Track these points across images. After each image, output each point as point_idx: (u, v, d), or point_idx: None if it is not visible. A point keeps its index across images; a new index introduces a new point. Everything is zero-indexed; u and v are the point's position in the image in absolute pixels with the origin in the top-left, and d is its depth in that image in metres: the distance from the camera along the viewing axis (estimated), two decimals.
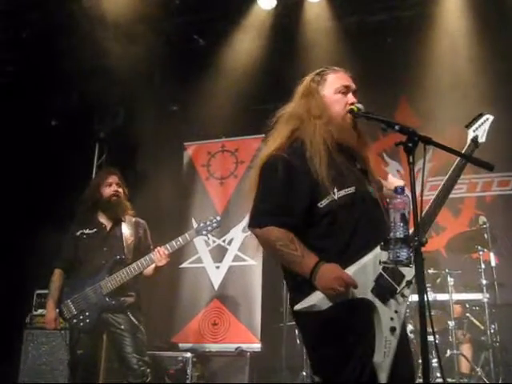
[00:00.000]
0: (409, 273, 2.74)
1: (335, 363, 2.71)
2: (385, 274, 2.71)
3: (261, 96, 7.94)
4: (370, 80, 7.31)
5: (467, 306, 6.26)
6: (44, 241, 5.97)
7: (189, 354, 6.13)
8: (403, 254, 2.64)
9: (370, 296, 2.68)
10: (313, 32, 7.40)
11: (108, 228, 5.01)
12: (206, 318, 7.60)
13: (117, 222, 5.04)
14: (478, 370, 5.87)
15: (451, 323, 5.97)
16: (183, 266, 7.87)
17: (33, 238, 6.49)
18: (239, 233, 7.83)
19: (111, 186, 5.05)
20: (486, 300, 6.00)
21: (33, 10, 6.96)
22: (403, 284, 2.75)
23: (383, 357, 2.62)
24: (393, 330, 2.65)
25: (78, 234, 4.97)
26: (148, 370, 4.74)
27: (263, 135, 8.15)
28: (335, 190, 2.78)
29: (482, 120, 3.30)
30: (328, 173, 2.77)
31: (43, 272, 5.43)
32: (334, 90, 3.01)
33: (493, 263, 6.13)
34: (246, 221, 7.81)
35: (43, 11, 6.99)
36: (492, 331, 5.96)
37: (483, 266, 6.13)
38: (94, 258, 4.86)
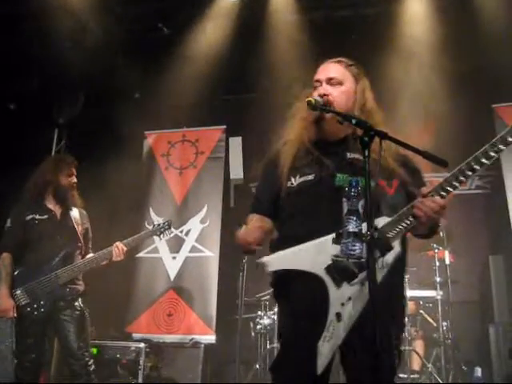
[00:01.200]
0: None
1: (284, 334, 2.85)
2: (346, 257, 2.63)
3: (224, 86, 7.92)
4: None
5: (421, 302, 6.34)
6: None
7: (142, 345, 6.07)
8: (355, 247, 2.63)
9: (320, 272, 2.68)
10: (278, 24, 7.38)
11: (58, 215, 4.92)
12: (161, 308, 7.52)
13: (65, 210, 4.96)
14: (429, 366, 5.95)
15: (405, 319, 6.02)
16: (139, 255, 7.78)
17: None
18: (197, 224, 7.77)
19: (71, 177, 4.98)
20: (439, 297, 6.08)
21: None
22: (364, 273, 2.63)
23: (323, 340, 2.58)
24: (338, 316, 2.60)
25: (29, 218, 4.85)
26: (91, 361, 4.67)
27: (224, 126, 8.22)
28: (297, 177, 2.89)
29: None
30: (291, 163, 2.90)
31: None
32: (313, 87, 3.00)
33: (447, 261, 6.21)
34: (204, 212, 7.81)
35: None
36: (444, 328, 6.04)
37: (438, 263, 6.22)
38: (46, 246, 4.76)
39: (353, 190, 2.69)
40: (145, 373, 5.94)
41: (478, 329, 6.54)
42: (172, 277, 7.65)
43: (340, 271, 2.66)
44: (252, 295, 6.60)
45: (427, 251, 6.46)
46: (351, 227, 2.65)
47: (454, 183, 2.78)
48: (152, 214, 7.95)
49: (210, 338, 7.14)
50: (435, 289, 6.14)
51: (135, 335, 7.19)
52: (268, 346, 6.45)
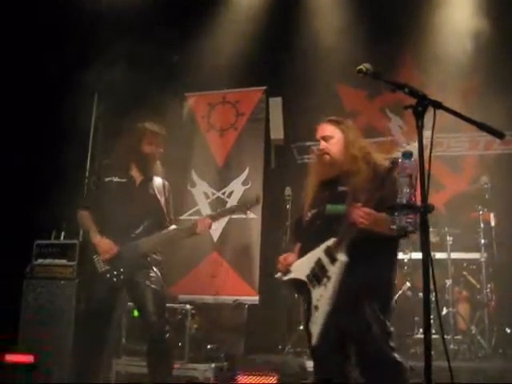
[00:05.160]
0: (332, 270, 3.50)
1: None
2: (316, 267, 3.61)
3: (263, 47, 7.82)
4: (374, 35, 7.23)
5: (464, 264, 6.31)
6: (42, 191, 5.94)
7: (188, 306, 6.12)
8: (409, 220, 2.63)
9: (305, 278, 3.67)
10: None
11: (137, 182, 4.87)
12: (205, 270, 7.59)
13: (146, 179, 4.93)
14: (473, 328, 5.95)
15: (448, 282, 6.03)
16: (182, 217, 7.83)
17: (31, 189, 6.46)
18: (239, 186, 7.79)
19: (152, 145, 4.88)
20: (483, 259, 6.06)
21: None
22: (325, 277, 3.56)
23: (310, 322, 3.60)
24: (316, 307, 3.55)
25: (107, 180, 4.87)
26: (167, 328, 4.72)
27: (264, 87, 8.16)
28: (309, 212, 3.84)
29: None
30: (308, 201, 3.86)
31: (42, 222, 5.41)
32: None
33: (492, 223, 6.15)
34: (245, 174, 7.82)
35: None
36: (488, 290, 6.02)
37: (482, 225, 6.16)
38: (127, 213, 4.71)
39: (406, 161, 2.68)
40: (191, 334, 6.02)
41: None
42: (215, 239, 7.71)
43: (314, 277, 3.62)
44: None
45: (471, 213, 6.40)
46: (405, 199, 2.65)
47: None
48: (194, 176, 7.99)
49: (254, 298, 7.21)
50: (479, 251, 6.11)
51: (180, 297, 7.29)
52: None
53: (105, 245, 4.69)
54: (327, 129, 3.88)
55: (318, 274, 3.58)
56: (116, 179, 4.82)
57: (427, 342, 2.53)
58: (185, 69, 8.17)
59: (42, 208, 5.46)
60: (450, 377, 2.70)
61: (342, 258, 3.46)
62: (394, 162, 3.24)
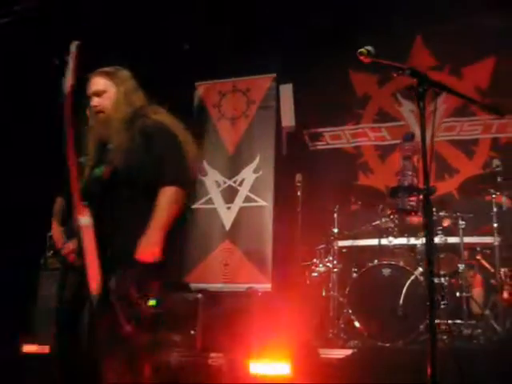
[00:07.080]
0: None
1: None
2: None
3: (272, 32, 7.78)
4: (384, 17, 7.18)
5: (478, 248, 6.25)
6: (54, 182, 5.94)
7: (200, 295, 6.14)
8: (411, 202, 2.62)
9: None
10: None
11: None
12: (217, 258, 7.64)
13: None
14: (487, 312, 5.90)
15: (461, 266, 5.98)
16: (194, 206, 7.87)
17: (43, 180, 6.48)
18: (250, 173, 7.81)
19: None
20: (496, 243, 5.98)
21: None
22: None
23: None
24: None
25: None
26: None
27: (274, 74, 8.12)
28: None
29: None
30: (90, 163, 3.62)
31: None
32: None
33: (504, 206, 6.10)
34: (256, 161, 7.82)
35: None
36: (502, 274, 5.97)
37: (495, 209, 6.09)
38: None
39: (406, 143, 2.66)
40: (203, 323, 6.03)
41: None
42: (227, 227, 7.75)
43: None
44: (307, 243, 6.61)
45: (484, 196, 6.33)
46: (407, 181, 2.63)
47: None
48: (206, 165, 7.99)
49: (266, 286, 7.22)
50: (492, 235, 6.04)
51: (193, 285, 7.31)
52: (323, 294, 6.49)
53: (54, 232, 4.73)
54: (99, 82, 3.61)
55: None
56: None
57: (432, 325, 2.52)
58: (195, 58, 8.15)
59: (54, 200, 5.47)
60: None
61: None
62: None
